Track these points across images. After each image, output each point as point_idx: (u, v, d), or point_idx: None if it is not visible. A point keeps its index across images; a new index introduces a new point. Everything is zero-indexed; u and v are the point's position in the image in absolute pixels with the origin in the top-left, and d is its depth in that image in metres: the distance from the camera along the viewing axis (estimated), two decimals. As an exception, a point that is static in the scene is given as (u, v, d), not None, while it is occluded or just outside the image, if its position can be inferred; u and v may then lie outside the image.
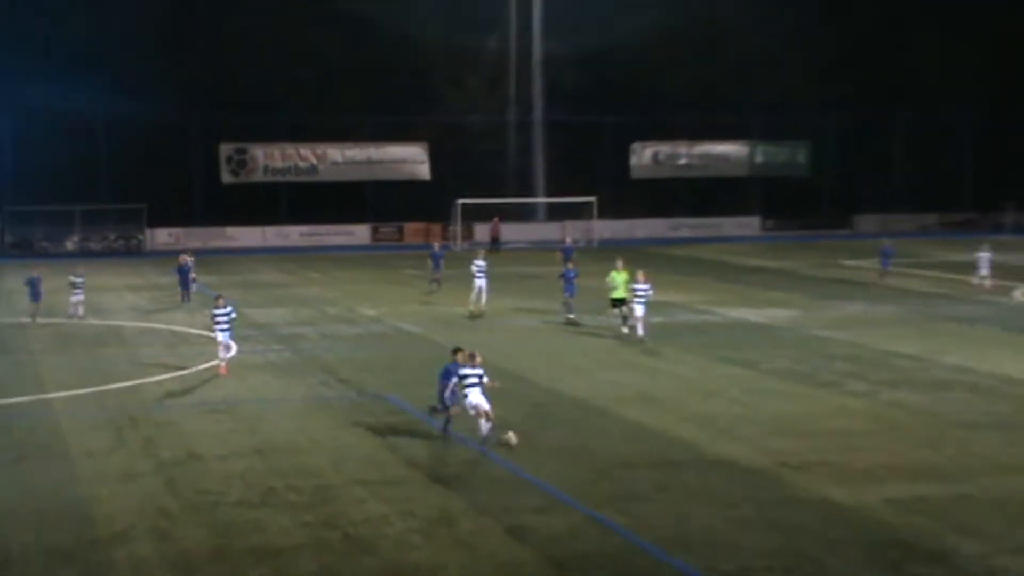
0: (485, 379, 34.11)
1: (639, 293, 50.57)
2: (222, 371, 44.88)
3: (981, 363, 46.58)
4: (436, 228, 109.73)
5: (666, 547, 26.05)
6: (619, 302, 52.81)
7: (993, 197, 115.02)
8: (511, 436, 32.57)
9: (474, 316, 59.25)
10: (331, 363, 48.98)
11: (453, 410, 34.57)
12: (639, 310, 50.56)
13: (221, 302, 46.13)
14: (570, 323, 56.43)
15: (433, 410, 35.59)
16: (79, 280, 59.30)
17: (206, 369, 46.61)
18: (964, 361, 47.05)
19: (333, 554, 25.94)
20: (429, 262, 72.61)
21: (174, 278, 66.54)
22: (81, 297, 58.90)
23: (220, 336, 45.22)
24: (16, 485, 31.80)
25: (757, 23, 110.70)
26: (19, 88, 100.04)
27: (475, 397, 33.29)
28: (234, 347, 45.43)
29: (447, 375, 34.66)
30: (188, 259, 67.65)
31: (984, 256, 68.68)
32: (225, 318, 45.03)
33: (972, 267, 69.21)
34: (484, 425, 33.12)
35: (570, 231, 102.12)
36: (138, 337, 55.03)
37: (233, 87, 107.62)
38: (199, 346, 52.64)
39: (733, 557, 25.43)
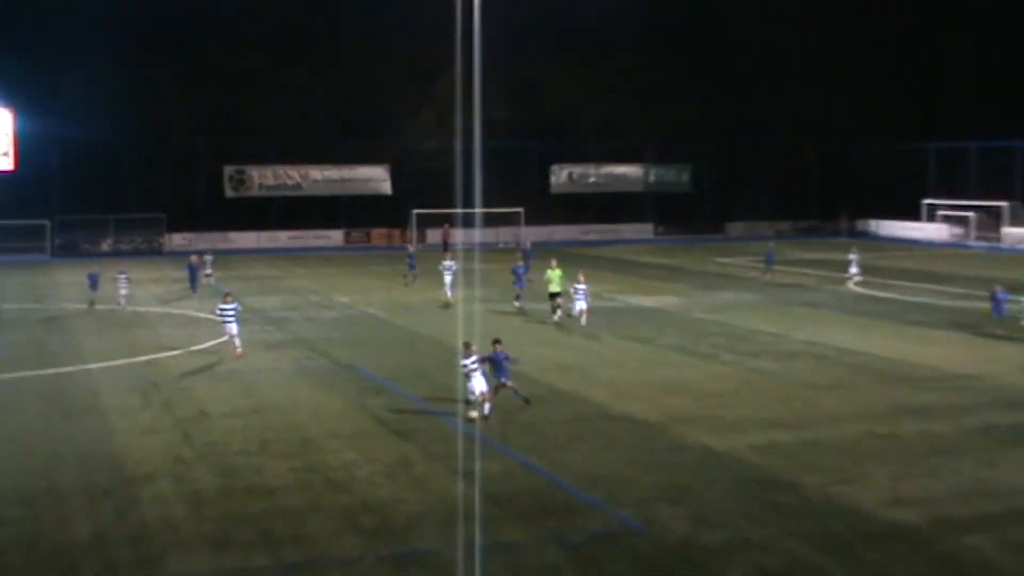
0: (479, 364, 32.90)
1: (579, 290, 49.66)
2: (239, 353, 43.49)
3: (823, 338, 46.88)
4: (396, 233, 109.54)
5: (579, 485, 26.24)
6: (555, 295, 51.75)
7: (832, 208, 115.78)
8: (474, 413, 31.91)
9: (447, 306, 57.98)
10: (312, 340, 48.86)
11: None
12: (582, 304, 49.59)
13: (229, 299, 44.83)
14: (519, 311, 55.32)
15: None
16: (123, 276, 58.62)
17: (214, 346, 46.43)
18: (810, 336, 47.35)
19: (315, 492, 26.04)
20: (407, 261, 72.62)
21: (185, 273, 66.08)
22: (126, 292, 58.33)
23: (231, 328, 43.70)
24: (65, 436, 31.83)
25: (649, 71, 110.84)
26: (64, 124, 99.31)
27: (476, 382, 32.51)
28: (234, 333, 43.92)
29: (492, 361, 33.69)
30: (196, 259, 67.41)
31: (854, 257, 69.01)
32: (232, 313, 43.66)
33: (844, 267, 69.26)
34: (486, 407, 32.30)
35: (521, 236, 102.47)
36: (159, 320, 54.84)
37: (235, 120, 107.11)
38: (208, 327, 52.40)
39: (632, 492, 25.65)
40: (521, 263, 59.60)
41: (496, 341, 33.82)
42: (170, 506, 25.18)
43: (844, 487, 25.91)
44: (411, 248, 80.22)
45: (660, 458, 28.61)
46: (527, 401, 33.76)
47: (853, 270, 68.10)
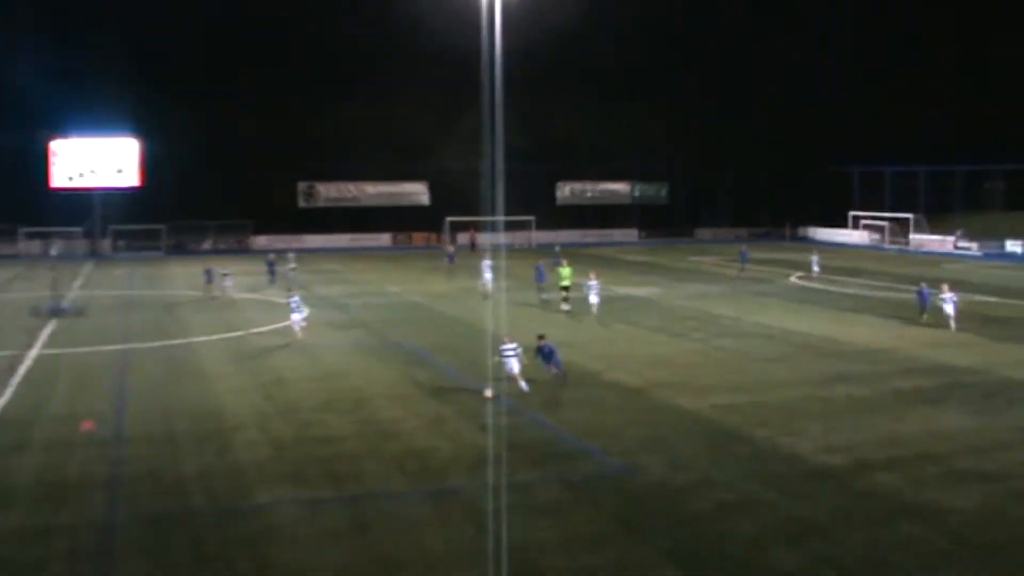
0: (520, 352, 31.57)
1: (591, 286, 48.91)
2: (302, 336, 42.29)
3: (772, 321, 46.83)
4: (433, 236, 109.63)
5: (579, 436, 26.38)
6: (565, 288, 50.94)
7: (779, 217, 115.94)
8: (489, 392, 30.04)
9: (485, 297, 56.51)
10: (367, 321, 48.95)
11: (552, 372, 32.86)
12: (594, 299, 48.74)
13: (292, 293, 45.08)
14: (543, 302, 53.63)
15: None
16: (228, 272, 58.57)
17: (288, 325, 46.61)
18: (761, 320, 47.29)
19: (370, 441, 26.19)
20: (446, 260, 72.99)
21: (266, 268, 66.17)
22: (230, 283, 58.18)
23: (296, 316, 42.37)
24: (176, 394, 31.99)
25: (635, 107, 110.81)
26: (176, 147, 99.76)
27: (512, 365, 31.33)
28: (299, 320, 42.53)
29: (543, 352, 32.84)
30: (273, 256, 67.60)
31: (815, 258, 69.12)
32: (296, 305, 42.62)
33: (808, 265, 69.09)
34: (522, 383, 31.11)
35: (532, 239, 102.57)
36: (247, 305, 54.97)
37: (306, 144, 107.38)
38: (284, 311, 52.52)
39: (620, 443, 25.77)
40: (543, 261, 58.35)
41: (541, 336, 33.51)
42: (257, 450, 25.39)
43: (787, 438, 26.04)
44: (450, 249, 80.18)
45: (642, 416, 28.72)
46: (564, 378, 32.71)
47: (815, 268, 67.93)
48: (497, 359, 31.21)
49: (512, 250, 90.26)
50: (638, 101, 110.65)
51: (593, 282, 49.32)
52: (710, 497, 21.59)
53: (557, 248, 77.10)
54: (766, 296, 57.78)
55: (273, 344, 41.83)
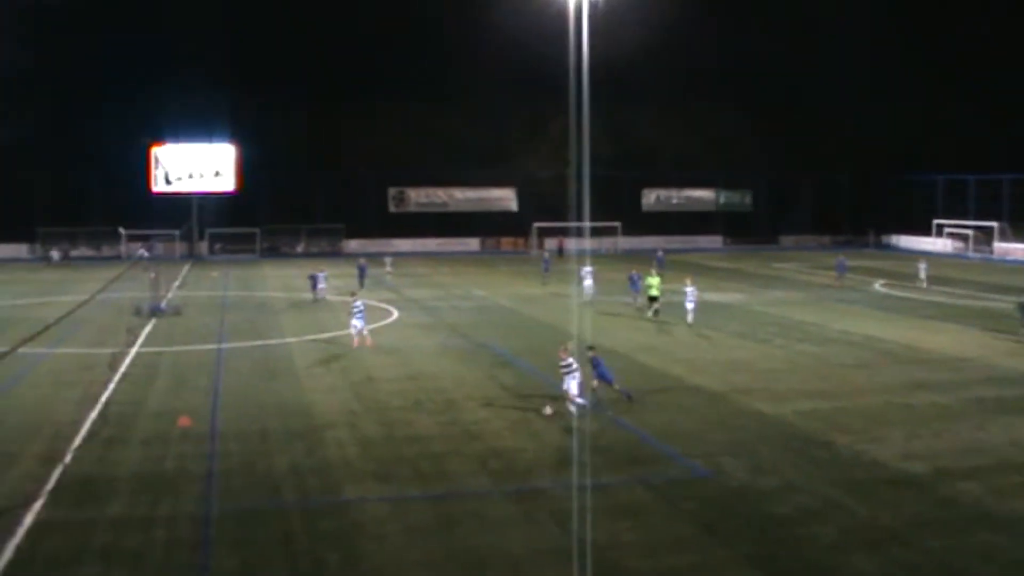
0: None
1: (688, 295, 47.51)
2: (356, 343, 40.96)
3: (855, 328, 46.27)
4: (520, 241, 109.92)
5: (660, 439, 26.28)
6: (653, 298, 49.36)
7: (863, 225, 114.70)
8: (549, 409, 29.00)
9: (585, 305, 54.93)
10: (455, 323, 49.14)
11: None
12: (689, 305, 47.35)
13: (355, 298, 43.22)
14: (638, 310, 52.18)
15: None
16: (322, 275, 58.71)
17: (379, 328, 46.97)
18: (844, 327, 46.74)
19: (455, 441, 26.29)
20: (542, 266, 72.05)
21: (358, 271, 66.56)
22: (324, 286, 58.34)
23: (356, 321, 41.20)
24: (269, 391, 32.42)
25: (720, 115, 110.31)
26: (270, 153, 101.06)
27: (567, 383, 28.39)
28: (360, 327, 41.25)
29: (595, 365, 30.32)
30: (364, 261, 67.87)
31: (923, 266, 68.20)
32: (358, 310, 41.50)
33: (915, 275, 68.00)
34: (571, 405, 28.41)
35: (619, 245, 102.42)
36: (338, 307, 55.36)
37: (397, 152, 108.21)
38: (374, 313, 52.97)
39: (701, 446, 25.64)
40: (636, 271, 56.21)
41: (591, 348, 31.46)
42: (346, 448, 25.61)
43: (867, 444, 25.73)
44: (546, 254, 79.23)
45: (724, 420, 28.56)
46: (630, 399, 30.38)
47: (922, 276, 66.96)
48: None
49: (598, 256, 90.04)
50: (723, 109, 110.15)
51: (690, 288, 48.14)
52: (790, 501, 21.41)
53: (660, 252, 75.26)
54: (849, 303, 57.11)
55: (364, 345, 42.10)
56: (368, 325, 45.90)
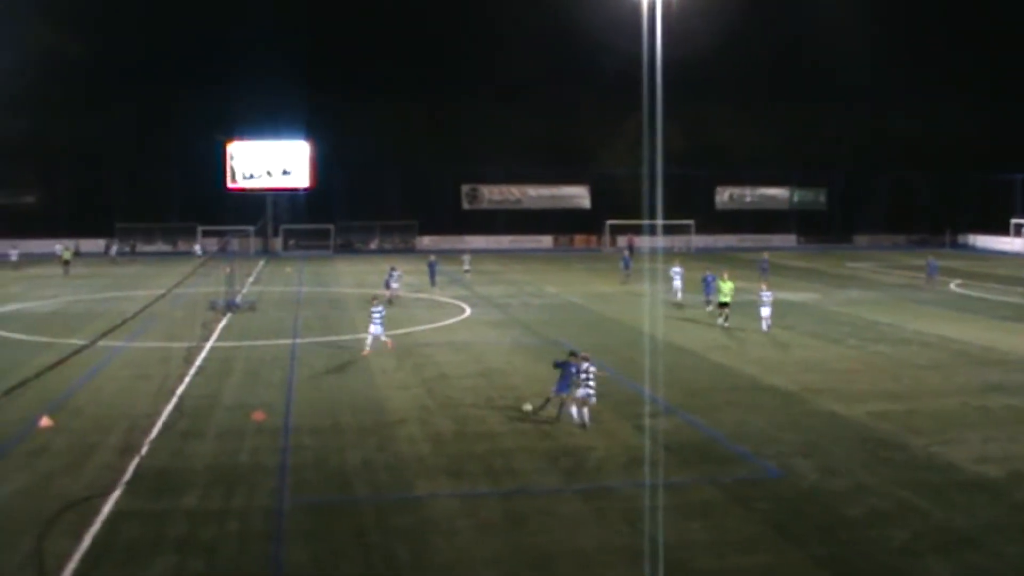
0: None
1: (764, 299, 44.94)
2: (368, 352, 38.41)
3: (930, 328, 45.75)
4: (593, 239, 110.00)
5: (732, 439, 26.16)
6: (724, 305, 46.24)
7: (939, 224, 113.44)
8: (528, 406, 28.13)
9: (678, 306, 53.66)
10: (527, 320, 49.25)
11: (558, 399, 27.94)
12: (765, 311, 44.86)
13: (376, 302, 40.08)
14: (710, 314, 49.69)
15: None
16: (396, 273, 57.96)
17: (452, 324, 47.21)
18: (919, 327, 46.22)
19: (526, 438, 26.32)
20: (621, 265, 71.11)
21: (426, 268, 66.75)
22: (397, 285, 57.47)
23: (374, 327, 38.61)
24: (342, 387, 32.70)
25: (794, 113, 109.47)
26: (344, 150, 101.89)
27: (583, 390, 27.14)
28: (377, 333, 38.65)
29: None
30: (433, 257, 67.73)
31: None
32: (378, 315, 38.78)
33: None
34: (572, 411, 27.39)
35: (692, 244, 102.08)
36: (411, 303, 55.74)
37: (471, 148, 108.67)
38: (447, 309, 53.21)
39: (773, 446, 25.50)
40: (710, 272, 53.68)
41: (577, 354, 28.78)
42: (417, 444, 25.77)
43: (942, 447, 25.44)
44: (626, 252, 77.79)
45: (797, 420, 28.37)
46: (557, 419, 27.72)
47: None
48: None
49: (671, 254, 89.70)
50: (797, 106, 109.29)
51: (766, 293, 45.51)
52: (863, 503, 21.23)
53: (765, 258, 70.92)
54: (924, 303, 56.45)
55: (436, 341, 42.36)
56: (440, 322, 46.20)
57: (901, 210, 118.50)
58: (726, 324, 45.71)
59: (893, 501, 21.36)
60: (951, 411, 29.53)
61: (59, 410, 28.90)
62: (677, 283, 56.25)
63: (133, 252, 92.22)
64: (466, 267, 73.37)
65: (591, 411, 27.29)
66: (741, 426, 27.58)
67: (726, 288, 46.60)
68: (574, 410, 27.39)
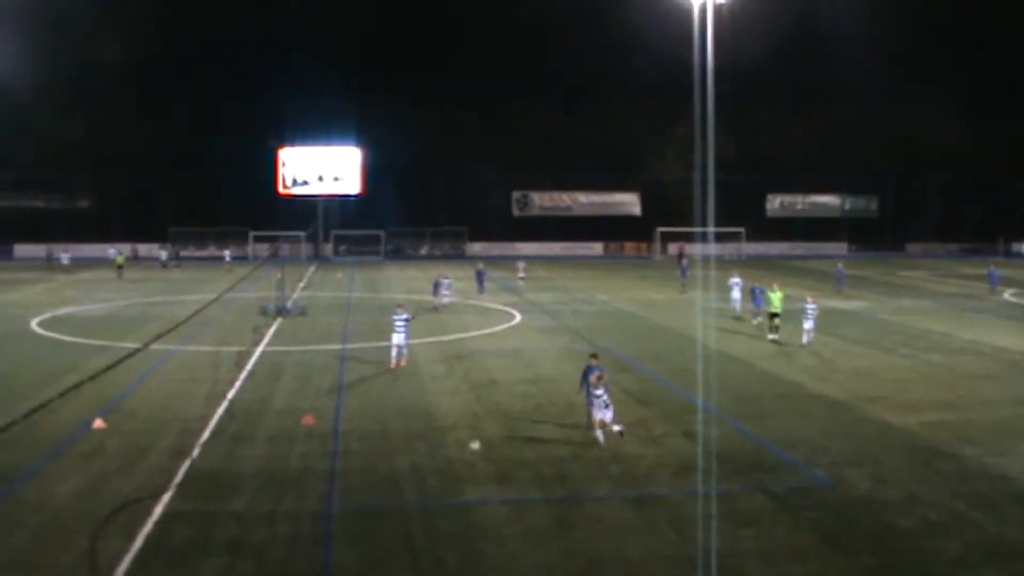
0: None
1: (809, 311, 43.11)
2: (395, 364, 37.31)
3: (983, 338, 45.27)
4: (644, 246, 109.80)
5: (782, 447, 26.04)
6: (774, 315, 44.33)
7: (992, 233, 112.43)
8: (477, 444, 25.92)
9: (737, 319, 51.60)
10: (577, 327, 49.22)
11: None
12: (809, 323, 43.04)
13: (400, 310, 38.70)
14: (757, 326, 48.32)
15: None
16: (447, 281, 58.36)
17: (502, 330, 47.33)
18: (973, 336, 45.78)
19: (576, 445, 26.19)
20: (678, 273, 70.44)
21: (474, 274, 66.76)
22: (448, 293, 57.59)
23: (397, 338, 37.54)
24: (392, 393, 32.81)
25: (846, 119, 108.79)
26: (396, 157, 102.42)
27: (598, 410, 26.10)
28: (401, 344, 37.58)
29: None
30: (482, 265, 67.61)
31: None
32: (402, 322, 37.78)
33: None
34: (597, 433, 26.17)
35: (742, 251, 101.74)
36: (462, 309, 55.85)
37: (522, 155, 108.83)
38: (496, 316, 53.30)
39: (824, 455, 25.35)
40: (759, 284, 51.48)
41: (594, 355, 29.53)
42: (467, 449, 25.78)
43: (995, 458, 25.17)
44: (684, 261, 76.37)
45: (847, 429, 28.18)
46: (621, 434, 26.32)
47: None
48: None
49: (724, 262, 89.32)
50: (848, 113, 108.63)
51: (811, 305, 43.78)
52: (915, 514, 21.08)
53: (840, 268, 69.56)
54: (978, 312, 55.94)
55: (486, 347, 42.43)
56: (490, 328, 46.29)
57: (953, 218, 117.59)
58: (775, 337, 43.95)
59: (946, 512, 21.20)
60: (1005, 422, 29.22)
61: (112, 412, 29.27)
62: (736, 294, 53.97)
63: (178, 258, 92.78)
64: (521, 274, 73.22)
65: (615, 416, 26.26)
66: (791, 434, 27.45)
67: (775, 299, 44.80)
68: (599, 434, 26.07)
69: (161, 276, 79.12)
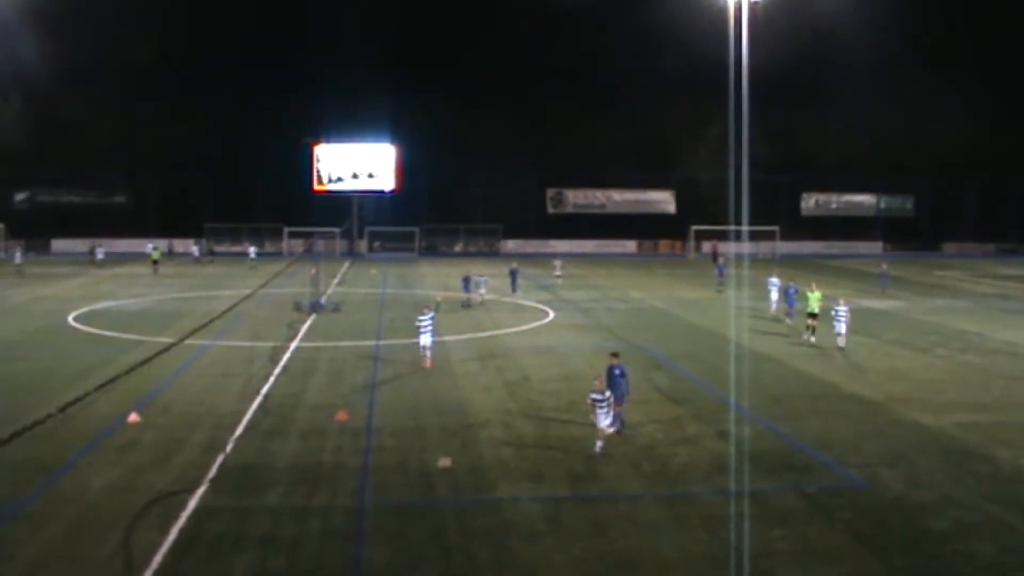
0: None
1: (840, 314, 42.00)
2: (429, 363, 36.89)
3: (1019, 339, 44.87)
4: (678, 244, 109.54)
5: (815, 447, 25.95)
6: (813, 316, 43.56)
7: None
8: (446, 461, 24.32)
9: (776, 320, 50.28)
10: (610, 325, 49.15)
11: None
12: (841, 327, 41.94)
13: (425, 310, 38.02)
14: (789, 325, 47.64)
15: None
16: (483, 279, 58.03)
17: (536, 327, 47.35)
18: (1009, 337, 45.41)
19: (609, 443, 26.09)
20: (715, 272, 69.86)
21: (514, 272, 66.46)
22: (484, 291, 57.26)
23: (423, 338, 37.08)
24: (426, 389, 32.94)
25: (881, 119, 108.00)
26: (430, 154, 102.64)
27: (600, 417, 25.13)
28: (427, 344, 37.12)
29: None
30: (515, 264, 67.20)
31: None
32: (427, 324, 37.23)
33: None
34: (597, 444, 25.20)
35: (777, 249, 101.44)
36: (495, 306, 55.84)
37: (556, 153, 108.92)
38: (530, 313, 53.31)
39: (857, 455, 25.26)
40: (793, 283, 50.72)
41: (615, 354, 28.89)
42: (500, 447, 25.88)
43: (1031, 461, 25.10)
44: (720, 260, 76.02)
45: (881, 430, 28.06)
46: (619, 433, 26.40)
47: None
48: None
49: (758, 261, 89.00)
50: (883, 112, 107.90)
51: (842, 308, 42.48)
52: (948, 516, 20.97)
53: (884, 266, 68.83)
54: (1014, 313, 55.52)
55: (519, 345, 42.45)
56: (525, 325, 46.28)
57: (991, 218, 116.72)
58: (813, 338, 43.22)
59: (980, 514, 21.08)
60: (1041, 424, 29.05)
61: (147, 406, 29.49)
62: (774, 294, 53.23)
63: (211, 253, 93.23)
64: (558, 272, 73.05)
65: (615, 421, 25.70)
66: (824, 435, 27.35)
67: (813, 299, 44.04)
68: (599, 445, 25.19)
69: (195, 271, 79.55)
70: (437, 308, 39.78)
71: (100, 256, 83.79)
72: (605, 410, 25.07)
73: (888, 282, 65.38)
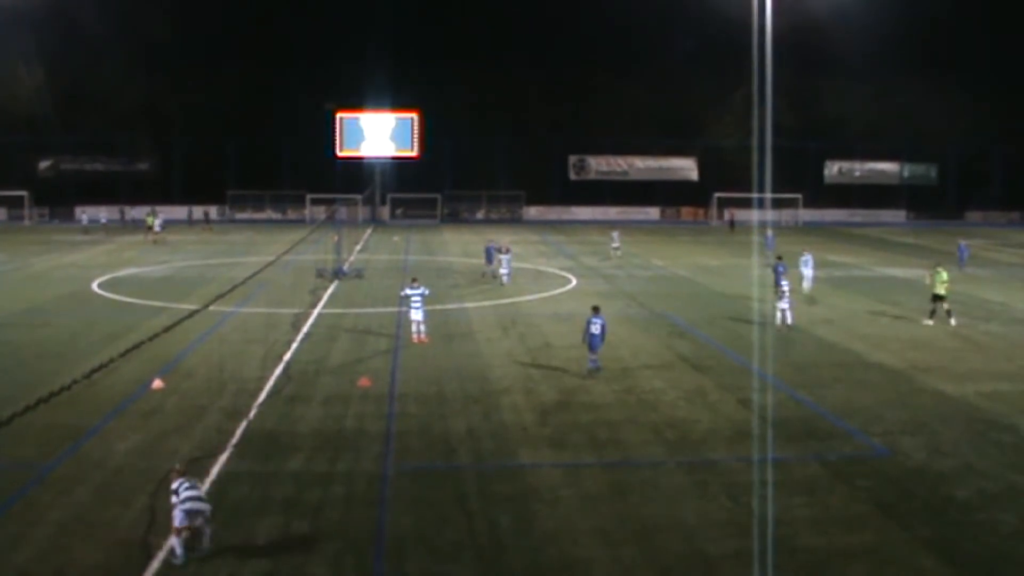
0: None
1: (807, 263, 43.03)
2: (417, 339, 35.12)
3: (1046, 310, 44.90)
4: (700, 211, 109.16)
5: (838, 415, 25.89)
6: (939, 298, 40.27)
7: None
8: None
9: (810, 300, 46.41)
10: (633, 293, 49.06)
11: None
12: (808, 272, 43.73)
13: (415, 283, 36.48)
14: (807, 296, 46.43)
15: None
16: (506, 257, 52.76)
17: (558, 294, 47.33)
18: (1035, 308, 45.39)
19: (631, 410, 26.33)
20: (765, 241, 68.19)
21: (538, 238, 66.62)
22: (507, 270, 52.26)
23: (413, 314, 35.35)
24: (448, 354, 33.04)
25: (906, 87, 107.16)
26: (452, 120, 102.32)
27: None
28: (419, 320, 35.35)
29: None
30: (503, 245, 65.90)
31: None
32: (418, 297, 35.45)
33: None
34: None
35: (799, 217, 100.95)
36: (517, 273, 55.53)
37: (579, 119, 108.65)
38: (553, 279, 53.28)
39: (879, 423, 25.18)
40: (808, 254, 49.40)
41: (595, 308, 31.79)
42: (521, 413, 25.90)
43: (1056, 430, 24.98)
44: (769, 231, 72.22)
45: (904, 398, 27.96)
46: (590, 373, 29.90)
47: None
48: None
49: (778, 228, 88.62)
50: (908, 80, 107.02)
51: (809, 256, 47.88)
52: (971, 485, 20.89)
53: (963, 245, 63.79)
54: (1040, 282, 55.23)
55: (541, 311, 42.43)
56: (547, 292, 46.21)
57: (1016, 187, 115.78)
58: (953, 321, 39.97)
59: (1002, 483, 21.00)
60: (1065, 393, 28.89)
61: (171, 372, 29.63)
62: (808, 271, 49.39)
63: (207, 220, 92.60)
64: (615, 244, 67.76)
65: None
66: (847, 403, 27.27)
67: (939, 280, 40.60)
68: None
69: (219, 239, 79.63)
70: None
71: (159, 228, 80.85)
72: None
73: (967, 257, 61.93)
